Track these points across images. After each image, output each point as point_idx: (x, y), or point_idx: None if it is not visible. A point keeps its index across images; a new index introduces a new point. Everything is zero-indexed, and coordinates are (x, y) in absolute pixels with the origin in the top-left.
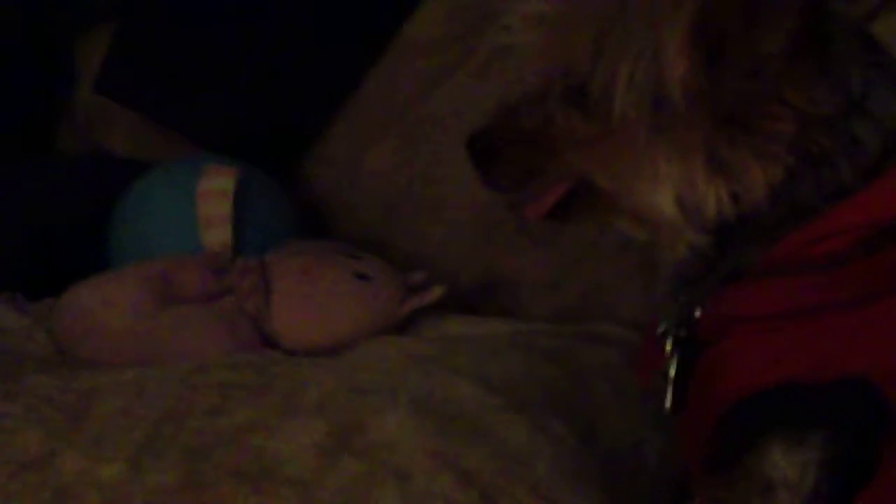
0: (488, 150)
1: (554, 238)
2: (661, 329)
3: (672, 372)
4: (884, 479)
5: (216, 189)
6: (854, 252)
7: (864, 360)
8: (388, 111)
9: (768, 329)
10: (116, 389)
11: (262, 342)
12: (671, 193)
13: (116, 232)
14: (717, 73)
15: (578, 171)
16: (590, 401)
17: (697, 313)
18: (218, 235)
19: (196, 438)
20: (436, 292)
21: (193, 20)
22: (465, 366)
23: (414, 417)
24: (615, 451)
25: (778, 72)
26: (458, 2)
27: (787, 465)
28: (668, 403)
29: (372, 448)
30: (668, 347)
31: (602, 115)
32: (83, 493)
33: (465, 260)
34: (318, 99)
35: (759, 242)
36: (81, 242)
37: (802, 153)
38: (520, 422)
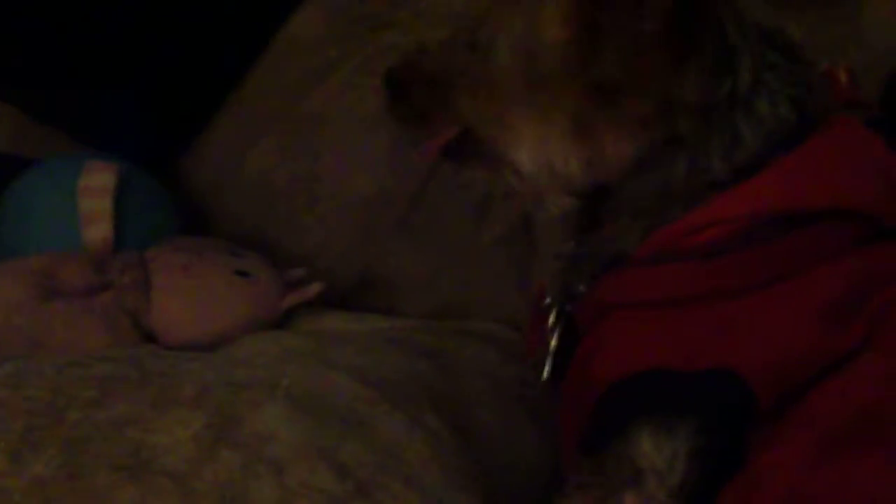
0: (397, 86)
1: (431, 236)
2: (547, 301)
3: (553, 343)
4: (748, 473)
5: (97, 185)
6: (733, 243)
7: (734, 352)
8: (269, 109)
9: (642, 316)
10: None
11: (142, 337)
12: (532, 148)
13: None
14: (593, 42)
15: (464, 116)
16: (465, 396)
17: (581, 288)
18: (99, 231)
19: (75, 431)
20: (314, 289)
21: (73, 14)
22: (341, 360)
23: (291, 410)
24: (490, 446)
25: (647, 51)
26: (336, 3)
27: (656, 452)
28: (545, 375)
29: (249, 440)
30: (552, 319)
31: (485, 64)
32: None
33: (344, 258)
34: (199, 96)
35: (637, 228)
36: None
37: (668, 136)
38: (395, 415)
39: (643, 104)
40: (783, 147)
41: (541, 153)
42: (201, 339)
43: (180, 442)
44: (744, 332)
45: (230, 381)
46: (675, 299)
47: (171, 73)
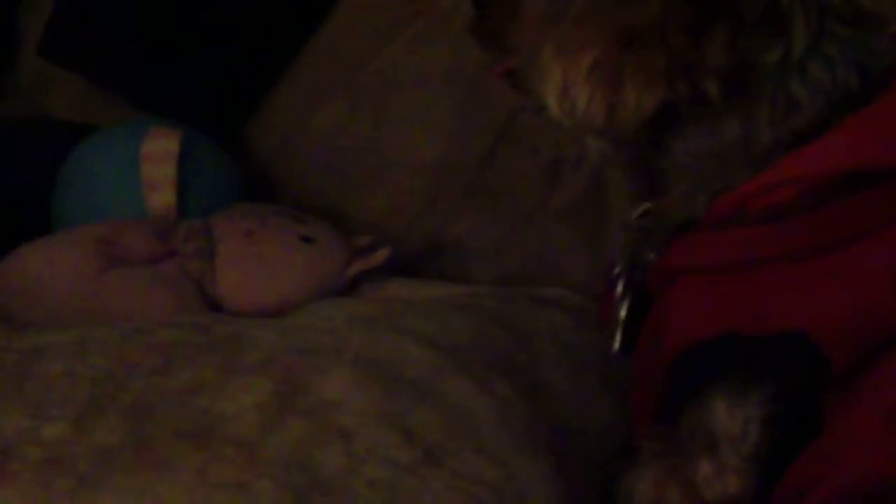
0: (481, 5)
1: (499, 202)
2: (616, 271)
3: (622, 313)
4: (820, 446)
5: (160, 151)
6: (800, 205)
7: (805, 315)
8: (334, 73)
9: (711, 281)
10: (59, 349)
11: (207, 305)
12: (556, 87)
13: (60, 195)
14: None
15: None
16: (535, 362)
17: (651, 256)
18: (162, 198)
19: (139, 398)
20: (381, 255)
21: None
22: (409, 327)
23: (358, 376)
24: (560, 412)
25: (673, 4)
26: None
27: (729, 419)
28: (615, 345)
29: (316, 407)
30: (620, 289)
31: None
32: (26, 452)
33: (411, 224)
34: (262, 60)
35: (702, 193)
36: (25, 206)
37: (695, 96)
38: (465, 382)
39: (663, 58)
40: (848, 109)
41: (564, 92)
42: (266, 305)
43: (246, 409)
44: (815, 295)
45: (296, 348)
46: (744, 263)
47: (234, 38)
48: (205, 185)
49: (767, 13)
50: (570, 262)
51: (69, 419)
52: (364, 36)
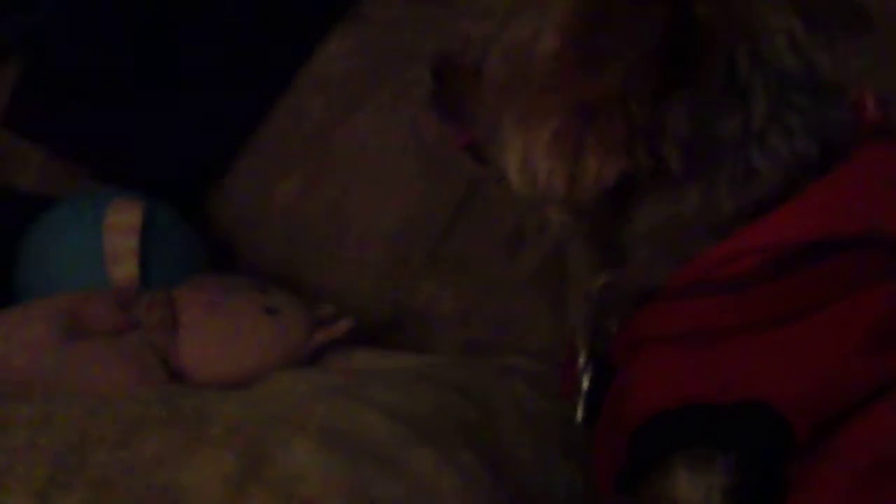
0: (440, 75)
1: (462, 270)
2: (578, 342)
3: (585, 385)
4: None
5: (123, 223)
6: (762, 274)
7: (768, 384)
8: (295, 146)
9: (675, 350)
10: (22, 422)
11: (170, 376)
12: (517, 158)
13: (22, 267)
14: (583, 57)
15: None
16: (499, 432)
17: (613, 327)
18: (125, 269)
19: (103, 471)
20: (344, 325)
21: (99, 55)
22: (372, 397)
23: (322, 448)
24: (525, 483)
25: (634, 75)
26: (363, 37)
27: (692, 489)
28: (579, 416)
29: (280, 479)
30: (582, 361)
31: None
32: None
33: (374, 294)
34: (224, 133)
35: (664, 262)
36: None
37: (656, 166)
38: (428, 453)
39: (624, 129)
40: (808, 178)
41: (525, 164)
42: (229, 376)
43: (209, 481)
44: (777, 364)
45: (260, 419)
46: (707, 332)
47: (197, 110)
48: (168, 256)
49: (728, 84)
50: (532, 330)
51: (32, 492)
52: (327, 105)
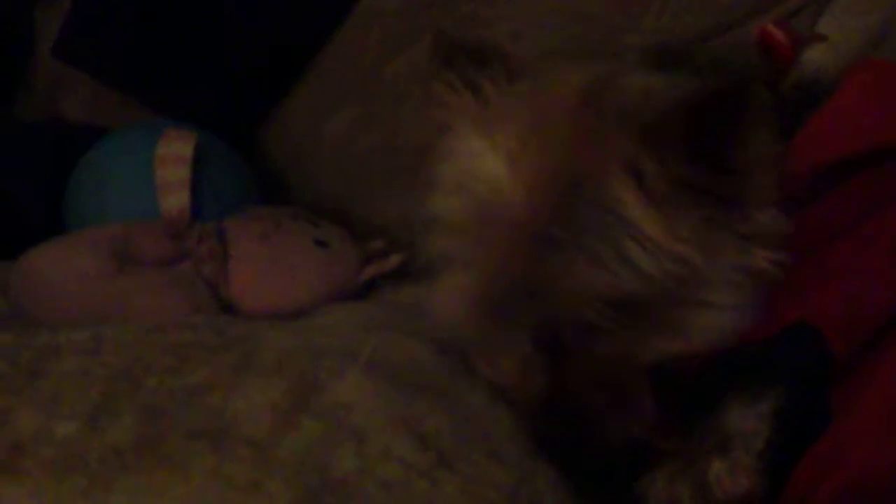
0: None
1: None
2: None
3: None
4: (830, 439)
5: (174, 154)
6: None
7: (806, 307)
8: (349, 79)
9: None
10: (73, 348)
11: (220, 307)
12: None
13: (74, 197)
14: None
15: None
16: None
17: None
18: (176, 200)
19: (153, 398)
20: (394, 260)
21: None
22: (423, 331)
23: (372, 379)
24: None
25: None
26: None
27: (741, 419)
28: None
29: (330, 409)
30: None
31: None
32: (39, 449)
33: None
34: (278, 65)
35: None
36: (39, 207)
37: None
38: (478, 386)
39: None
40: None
41: None
42: (279, 308)
43: (259, 409)
44: (811, 288)
45: (310, 349)
46: None
47: (250, 42)
48: (219, 188)
49: None
50: None
51: (82, 418)
52: (381, 40)
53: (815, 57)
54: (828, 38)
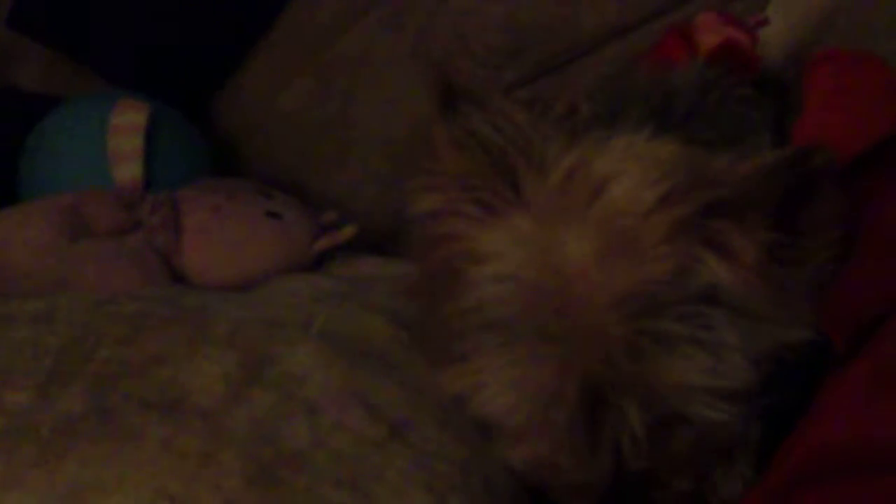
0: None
1: None
2: None
3: None
4: (813, 408)
5: (128, 123)
6: None
7: None
8: (302, 50)
9: None
10: (25, 317)
11: (172, 278)
12: None
13: (26, 166)
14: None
15: None
16: None
17: None
18: (129, 170)
19: (105, 368)
20: (347, 232)
21: None
22: (376, 303)
23: (324, 351)
24: None
25: None
26: None
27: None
28: None
29: (282, 380)
30: None
31: None
32: None
33: (377, 201)
34: (231, 37)
35: None
36: None
37: None
38: None
39: None
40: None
41: None
42: (231, 280)
43: (212, 380)
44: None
45: (262, 321)
46: None
47: (204, 13)
48: (172, 158)
49: None
50: None
51: (34, 387)
52: (335, 12)
53: (772, 51)
54: (770, 21)
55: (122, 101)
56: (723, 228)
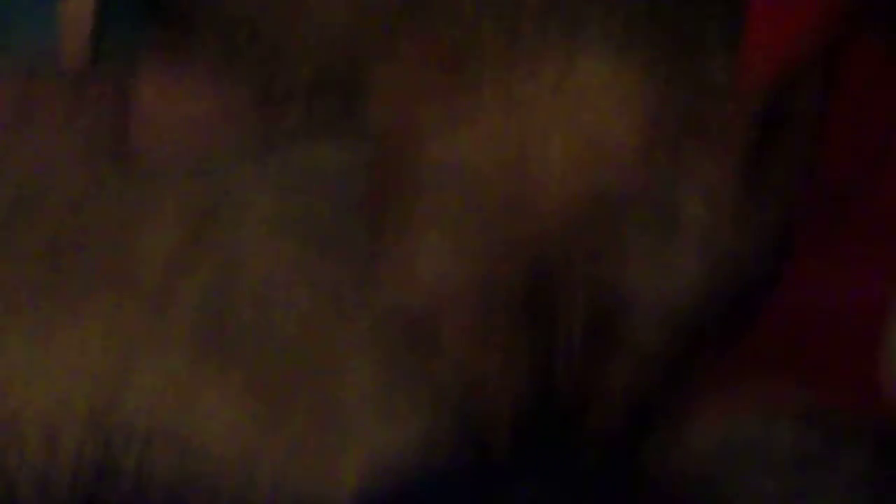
0: None
1: None
2: None
3: None
4: None
5: None
6: None
7: None
8: None
9: None
10: None
11: (121, 153)
12: None
13: None
14: None
15: None
16: None
17: None
18: (77, 44)
19: (53, 236)
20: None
21: None
22: (325, 185)
23: (270, 229)
24: None
25: None
26: None
27: None
28: None
29: (228, 259)
30: None
31: None
32: None
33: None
34: None
35: None
36: None
37: None
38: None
39: None
40: None
41: None
42: (183, 154)
43: (158, 257)
44: None
45: (210, 198)
46: None
47: None
48: (123, 28)
49: None
50: None
51: None
52: None
53: None
54: None
55: None
56: (693, 147)
